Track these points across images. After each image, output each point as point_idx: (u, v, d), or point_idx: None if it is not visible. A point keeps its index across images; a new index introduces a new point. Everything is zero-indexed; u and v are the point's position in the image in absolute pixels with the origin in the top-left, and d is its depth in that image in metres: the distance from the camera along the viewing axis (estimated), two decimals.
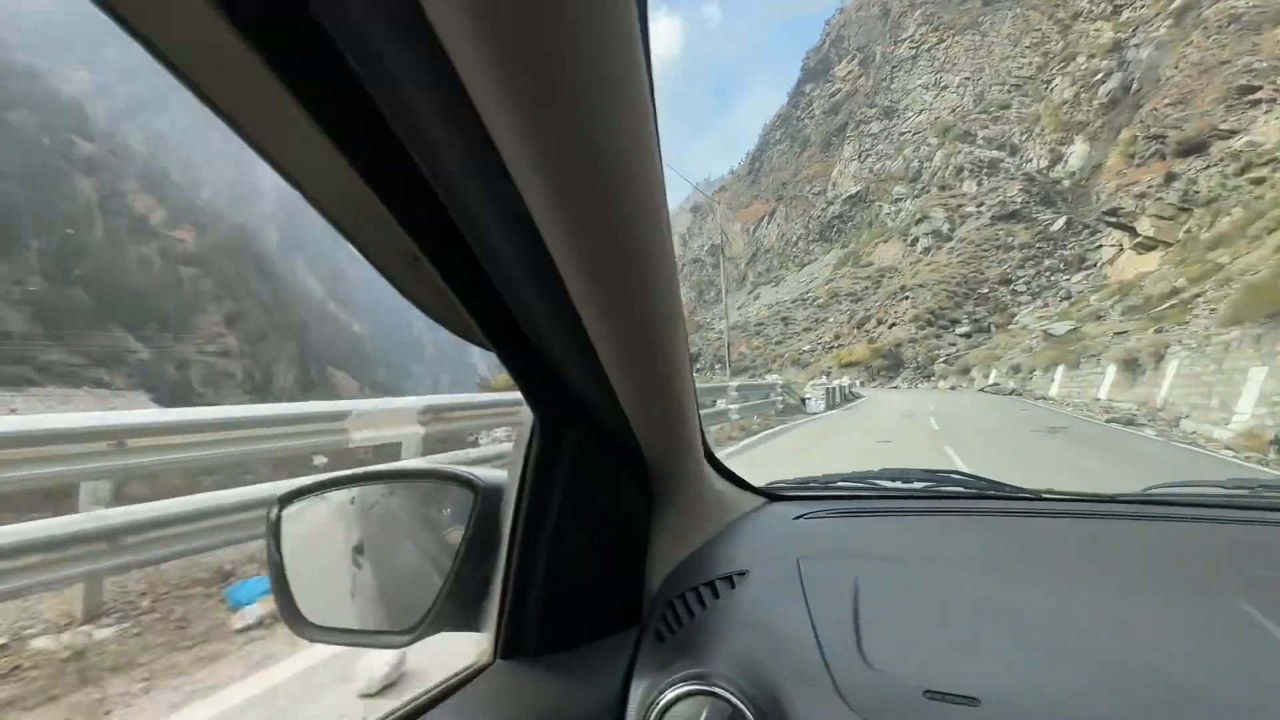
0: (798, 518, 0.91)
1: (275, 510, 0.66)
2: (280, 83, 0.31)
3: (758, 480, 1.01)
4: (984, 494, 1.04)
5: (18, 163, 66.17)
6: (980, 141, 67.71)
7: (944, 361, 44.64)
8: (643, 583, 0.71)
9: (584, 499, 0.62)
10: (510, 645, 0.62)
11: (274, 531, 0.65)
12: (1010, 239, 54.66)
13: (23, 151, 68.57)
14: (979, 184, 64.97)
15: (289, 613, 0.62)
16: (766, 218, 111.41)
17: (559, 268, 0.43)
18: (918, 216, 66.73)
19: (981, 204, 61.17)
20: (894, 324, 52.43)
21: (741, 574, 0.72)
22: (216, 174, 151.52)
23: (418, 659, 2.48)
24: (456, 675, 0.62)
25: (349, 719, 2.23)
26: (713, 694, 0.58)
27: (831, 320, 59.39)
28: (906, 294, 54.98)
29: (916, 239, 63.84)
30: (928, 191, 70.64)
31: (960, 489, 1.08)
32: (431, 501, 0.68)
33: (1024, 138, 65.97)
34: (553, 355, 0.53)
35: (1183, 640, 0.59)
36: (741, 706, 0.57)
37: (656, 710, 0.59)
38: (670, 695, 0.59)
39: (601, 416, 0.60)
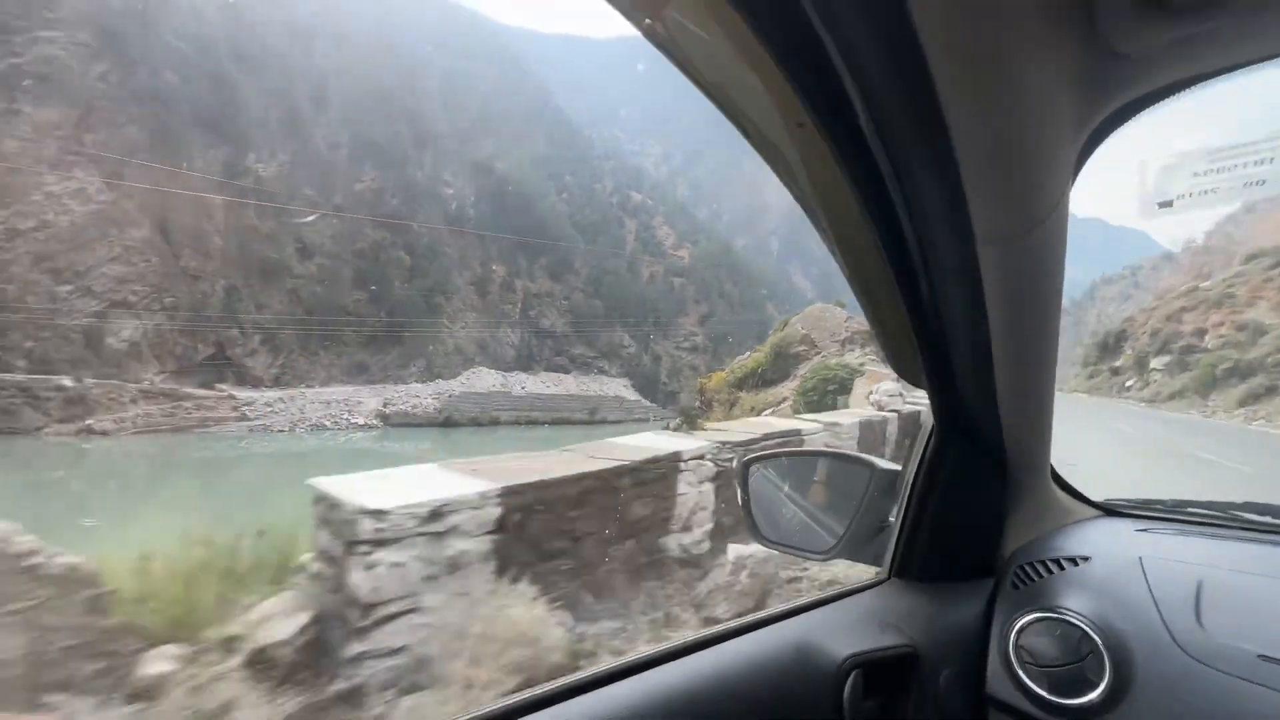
0: (1140, 530, 0.96)
1: (743, 465, 1.03)
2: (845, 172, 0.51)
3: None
4: None
5: (592, 214, 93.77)
6: None
7: None
8: (997, 549, 0.90)
9: (960, 485, 0.85)
10: (901, 569, 0.88)
11: (743, 479, 1.02)
12: None
13: (597, 207, 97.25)
14: None
15: (751, 527, 1.00)
16: None
17: (991, 332, 0.64)
18: None
19: None
20: None
21: (1085, 559, 0.85)
22: (734, 203, 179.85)
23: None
24: (863, 582, 0.90)
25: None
26: (1064, 620, 0.74)
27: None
28: None
29: None
30: None
31: None
32: (835, 474, 1.00)
33: None
34: (966, 392, 0.76)
35: None
36: (1088, 631, 0.72)
37: (1018, 626, 0.77)
38: (1030, 617, 0.77)
39: (982, 429, 0.81)
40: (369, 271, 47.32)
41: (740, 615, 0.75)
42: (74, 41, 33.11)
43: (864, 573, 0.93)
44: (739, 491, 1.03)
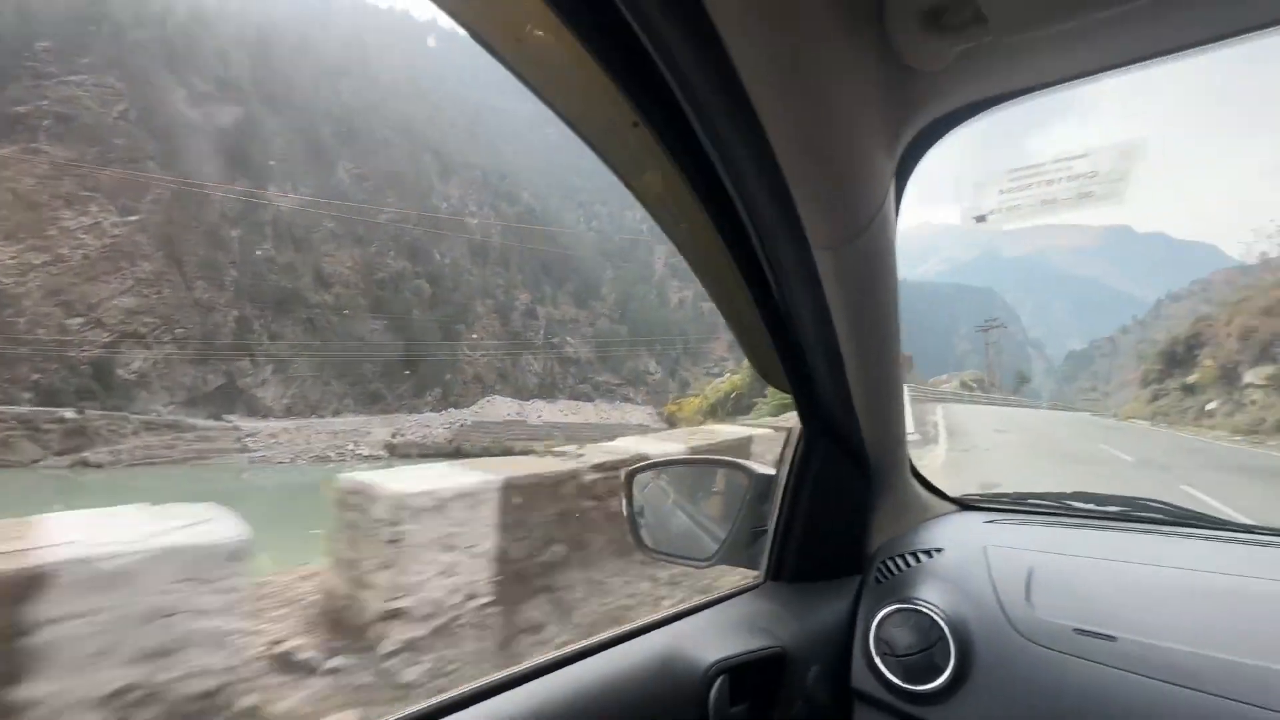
0: (988, 522, 1.03)
1: (628, 476, 1.01)
2: (693, 194, 0.54)
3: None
4: (1184, 520, 1.00)
5: (621, 241, 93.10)
6: None
7: None
8: (863, 547, 0.95)
9: (827, 485, 0.88)
10: (775, 572, 0.91)
11: (627, 488, 1.00)
12: None
13: (627, 234, 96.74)
14: None
15: (635, 537, 0.98)
16: None
17: (837, 332, 0.69)
18: None
19: None
20: None
21: (939, 550, 0.91)
22: None
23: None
24: (739, 587, 0.92)
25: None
26: (917, 611, 0.81)
27: None
28: None
29: None
30: None
31: (1160, 515, 1.04)
32: (719, 480, 1.01)
33: None
34: (823, 392, 0.80)
35: None
36: (937, 619, 0.78)
37: (878, 619, 0.82)
38: (888, 609, 0.83)
39: (844, 432, 0.85)
40: (389, 301, 47.13)
41: (608, 630, 0.73)
42: (98, 84, 34.38)
43: (746, 578, 0.94)
44: (623, 502, 1.00)
